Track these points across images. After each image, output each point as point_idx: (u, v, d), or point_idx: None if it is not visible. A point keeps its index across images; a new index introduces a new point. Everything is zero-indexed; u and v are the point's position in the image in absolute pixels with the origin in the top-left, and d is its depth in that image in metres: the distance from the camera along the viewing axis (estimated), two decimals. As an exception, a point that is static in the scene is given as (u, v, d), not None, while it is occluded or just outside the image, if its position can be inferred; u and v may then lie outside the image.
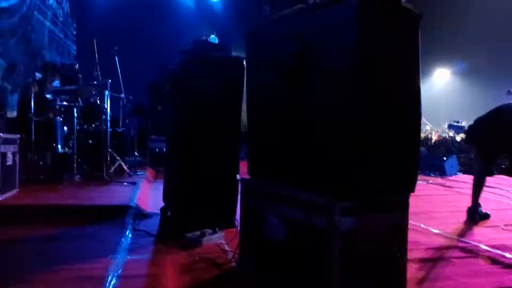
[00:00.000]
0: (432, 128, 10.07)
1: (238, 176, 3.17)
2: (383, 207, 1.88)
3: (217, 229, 2.83)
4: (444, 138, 9.54)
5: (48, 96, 5.42)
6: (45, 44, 8.69)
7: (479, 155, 3.76)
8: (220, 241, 2.77)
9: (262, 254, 2.16)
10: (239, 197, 2.43)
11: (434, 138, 9.89)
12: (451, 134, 8.81)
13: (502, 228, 3.40)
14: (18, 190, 4.25)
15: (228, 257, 2.47)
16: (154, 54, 9.14)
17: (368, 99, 1.73)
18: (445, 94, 13.16)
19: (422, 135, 9.39)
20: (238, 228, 2.44)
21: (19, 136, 4.39)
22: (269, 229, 2.09)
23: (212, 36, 3.28)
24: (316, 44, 1.88)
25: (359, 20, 1.67)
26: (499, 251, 2.72)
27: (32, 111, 5.00)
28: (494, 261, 2.56)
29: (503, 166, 3.63)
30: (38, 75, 5.69)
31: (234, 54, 3.36)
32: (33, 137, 4.99)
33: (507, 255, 2.65)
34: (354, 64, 1.69)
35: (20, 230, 2.95)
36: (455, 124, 4.72)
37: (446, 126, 6.95)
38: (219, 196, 3.15)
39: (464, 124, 4.65)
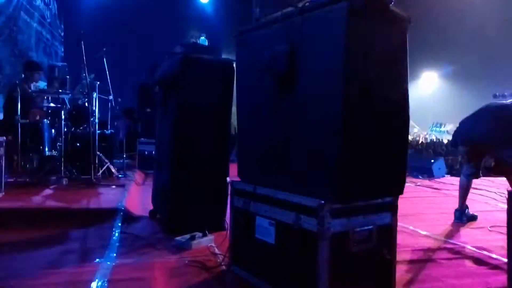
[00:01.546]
0: (420, 131, 10.19)
1: (228, 179, 3.16)
2: (372, 209, 1.89)
3: (207, 232, 2.81)
4: (432, 141, 9.67)
5: (33, 94, 5.35)
6: (32, 45, 8.58)
7: (466, 157, 3.80)
8: (210, 244, 2.75)
9: (252, 257, 2.15)
10: (229, 199, 2.42)
11: (422, 140, 10.02)
12: (433, 138, 8.95)
13: (489, 230, 3.45)
14: (3, 193, 4.17)
15: (218, 260, 2.46)
16: (143, 56, 9.08)
17: (356, 101, 1.74)
18: (432, 96, 13.35)
19: (410, 137, 9.51)
20: (228, 231, 2.43)
21: (5, 138, 4.32)
22: (259, 232, 2.09)
23: (202, 38, 3.28)
24: (306, 47, 1.89)
25: (348, 23, 1.68)
26: (486, 252, 2.76)
27: (19, 113, 4.93)
28: (481, 262, 2.59)
29: (489, 166, 3.67)
30: (23, 75, 5.62)
31: (224, 56, 3.36)
32: (19, 139, 4.92)
33: (494, 256, 2.68)
34: (343, 66, 1.70)
35: (6, 233, 2.89)
36: (437, 129, 4.77)
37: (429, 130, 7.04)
38: (209, 199, 3.13)
39: (450, 128, 4.71)
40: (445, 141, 9.04)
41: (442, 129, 4.76)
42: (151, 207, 3.70)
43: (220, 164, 3.18)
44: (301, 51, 1.91)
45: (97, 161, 5.56)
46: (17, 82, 5.32)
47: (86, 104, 5.72)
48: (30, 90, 5.40)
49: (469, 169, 3.72)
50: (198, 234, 2.77)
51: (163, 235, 2.98)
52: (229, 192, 2.43)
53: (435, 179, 7.03)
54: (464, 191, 3.75)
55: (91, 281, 2.09)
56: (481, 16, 10.15)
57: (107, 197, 4.32)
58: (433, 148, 9.26)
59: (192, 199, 3.09)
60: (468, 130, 3.68)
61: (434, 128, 4.84)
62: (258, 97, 2.19)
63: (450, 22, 10.69)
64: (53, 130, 5.43)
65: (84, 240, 2.83)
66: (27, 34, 8.30)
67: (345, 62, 1.69)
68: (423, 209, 4.38)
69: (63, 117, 5.25)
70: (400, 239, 2.04)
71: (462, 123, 3.76)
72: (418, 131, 10.21)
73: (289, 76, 1.96)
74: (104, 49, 5.96)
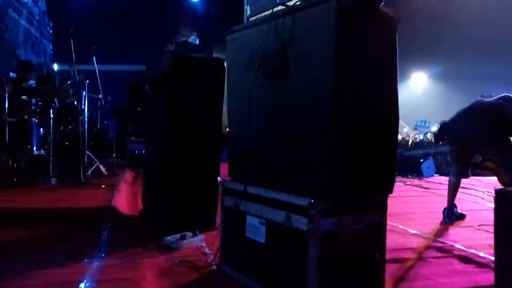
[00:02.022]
0: (409, 130, 10.29)
1: (219, 178, 3.16)
2: (362, 208, 1.90)
3: (197, 231, 2.80)
4: (421, 140, 9.76)
5: (23, 96, 5.28)
6: (20, 43, 8.47)
7: (454, 156, 3.84)
8: (200, 244, 2.74)
9: (243, 256, 2.15)
10: (220, 199, 2.41)
11: (411, 140, 10.11)
12: (418, 136, 9.00)
13: (476, 228, 3.49)
14: (-10, 193, 4.12)
15: (209, 260, 2.45)
16: (134, 54, 9.03)
17: (346, 100, 1.75)
18: (422, 97, 13.48)
19: (400, 137, 9.59)
20: (219, 231, 2.43)
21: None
22: (250, 231, 2.09)
23: (193, 36, 3.27)
24: (297, 46, 1.89)
25: (337, 22, 1.69)
26: (474, 251, 2.79)
27: (6, 111, 4.86)
28: (469, 260, 2.62)
29: (476, 161, 3.71)
30: (12, 74, 5.54)
31: (215, 55, 3.35)
32: (7, 138, 4.85)
33: (482, 254, 2.72)
34: (332, 65, 1.70)
35: (-7, 234, 2.85)
36: (422, 124, 4.80)
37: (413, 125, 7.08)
38: (200, 198, 3.12)
39: (434, 128, 4.74)
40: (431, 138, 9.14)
41: (426, 124, 4.80)
42: (141, 206, 3.68)
43: (211, 163, 3.17)
44: (292, 50, 1.91)
45: (86, 161, 5.51)
46: (5, 80, 5.24)
47: (75, 102, 5.67)
48: (22, 90, 5.31)
49: (458, 168, 3.75)
50: (189, 233, 2.76)
51: (153, 234, 2.95)
52: (220, 192, 2.43)
53: (424, 179, 7.11)
54: (453, 190, 3.79)
55: (79, 281, 2.06)
56: (471, 17, 10.27)
57: (97, 196, 4.29)
58: (423, 147, 9.35)
59: (183, 198, 3.08)
60: (456, 129, 3.70)
61: (419, 124, 4.87)
62: (249, 96, 2.19)
63: (439, 23, 10.80)
64: (41, 129, 5.37)
65: (73, 240, 2.80)
66: (15, 32, 8.19)
67: (335, 61, 1.70)
68: (412, 208, 4.42)
69: (51, 115, 5.19)
70: (390, 238, 2.05)
71: (450, 122, 3.78)
72: (407, 131, 10.31)
73: (280, 75, 1.96)
74: (94, 47, 5.91)
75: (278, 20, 1.99)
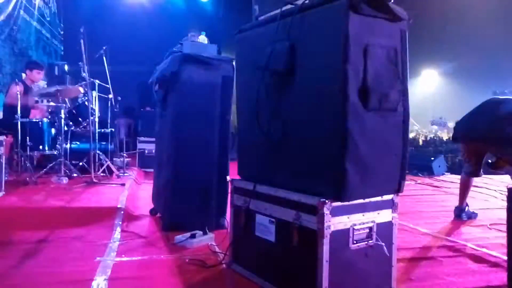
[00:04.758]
0: (420, 129, 10.18)
1: (228, 177, 3.16)
2: (372, 207, 1.89)
3: (207, 230, 2.82)
4: (432, 139, 9.67)
5: (35, 97, 5.35)
6: (32, 44, 8.57)
7: (466, 154, 3.79)
8: (210, 243, 2.75)
9: (253, 255, 2.16)
10: (229, 198, 2.42)
11: (422, 138, 10.02)
12: (434, 131, 8.90)
13: (488, 227, 3.45)
14: (4, 192, 4.18)
15: (219, 258, 2.46)
16: (143, 54, 9.07)
17: (356, 99, 1.74)
18: (432, 94, 13.32)
19: (410, 135, 9.50)
20: (228, 229, 2.43)
21: (5, 137, 4.33)
22: (259, 230, 2.09)
23: (202, 36, 3.27)
24: (306, 44, 1.88)
25: (347, 20, 1.68)
26: (485, 250, 2.76)
27: (19, 112, 4.93)
28: (481, 260, 2.59)
29: (489, 161, 3.64)
30: (23, 75, 5.62)
31: (223, 54, 3.35)
32: (19, 138, 4.92)
33: (494, 253, 2.69)
34: (342, 64, 1.70)
35: (6, 232, 2.90)
36: (439, 119, 4.72)
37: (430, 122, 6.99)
38: (209, 197, 3.14)
39: (451, 124, 4.68)
40: (445, 138, 9.03)
41: (443, 120, 4.71)
42: (151, 205, 3.70)
43: (220, 162, 3.18)
44: (301, 48, 1.91)
45: (97, 160, 5.57)
46: (17, 80, 5.32)
47: (86, 103, 5.72)
48: (31, 90, 5.40)
49: (470, 167, 3.71)
50: (199, 232, 2.78)
51: (163, 233, 2.98)
52: (229, 191, 2.43)
53: (435, 177, 7.03)
54: (465, 189, 3.74)
55: (91, 279, 2.09)
56: (481, 13, 10.12)
57: (107, 195, 4.33)
58: (434, 145, 9.26)
59: (192, 197, 3.09)
60: (468, 127, 3.65)
61: (435, 119, 4.77)
62: (258, 95, 2.19)
63: (449, 19, 10.66)
64: (53, 129, 5.44)
65: (85, 239, 2.83)
66: (27, 33, 8.29)
67: (345, 60, 1.69)
68: (423, 207, 4.38)
69: (63, 116, 5.25)
70: (400, 237, 2.04)
71: (462, 120, 3.73)
72: (418, 129, 10.20)
73: (288, 74, 1.96)
74: (104, 47, 5.96)
75: (286, 19, 1.98)
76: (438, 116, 6.07)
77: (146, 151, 6.91)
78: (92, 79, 5.72)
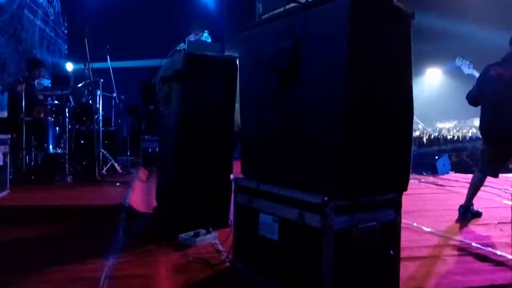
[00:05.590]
0: (424, 127, 10.15)
1: (231, 176, 3.16)
2: (376, 206, 1.88)
3: (211, 229, 2.82)
4: (436, 137, 9.63)
5: (39, 96, 5.38)
6: (36, 43, 8.61)
7: (492, 157, 3.55)
8: (214, 241, 2.76)
9: (256, 253, 2.16)
10: (232, 196, 2.42)
11: (426, 137, 9.99)
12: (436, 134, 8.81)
13: (493, 226, 3.43)
14: (9, 191, 4.21)
15: (222, 257, 2.46)
16: (147, 53, 9.09)
17: (359, 97, 1.73)
18: (436, 93, 13.27)
19: (414, 134, 9.47)
20: (232, 228, 2.43)
21: (9, 136, 4.35)
22: (263, 229, 2.09)
23: (205, 34, 3.27)
24: (309, 43, 1.88)
25: (351, 18, 1.67)
26: (490, 249, 2.74)
27: (23, 110, 4.96)
28: (486, 258, 2.58)
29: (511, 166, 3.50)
30: (26, 73, 5.64)
31: (227, 53, 3.35)
32: (24, 137, 4.95)
33: (499, 252, 2.67)
34: (345, 62, 1.69)
35: (11, 231, 2.91)
36: (463, 61, 4.39)
37: (436, 123, 6.91)
38: (213, 196, 3.14)
39: (454, 123, 4.53)
40: (449, 137, 9.00)
41: (468, 63, 4.41)
42: (155, 204, 3.71)
43: (223, 161, 3.18)
44: (304, 47, 1.90)
45: (101, 159, 5.59)
46: (21, 79, 5.35)
47: (90, 101, 5.74)
48: (34, 88, 5.42)
49: (489, 168, 3.56)
50: (202, 231, 2.78)
51: (167, 232, 2.98)
52: (232, 189, 2.43)
53: (439, 176, 7.01)
54: (475, 188, 3.65)
55: (95, 277, 2.10)
56: (484, 11, 10.07)
57: (111, 194, 4.35)
58: (438, 144, 9.23)
59: (196, 196, 3.09)
60: (503, 128, 3.40)
61: (460, 61, 4.40)
62: (261, 94, 2.19)
63: (453, 17, 10.61)
64: (57, 128, 5.46)
65: (88, 237, 2.84)
66: (31, 32, 8.33)
67: (348, 58, 1.68)
68: (427, 205, 4.36)
69: (67, 114, 5.27)
70: (405, 236, 2.03)
71: (492, 119, 3.48)
72: (422, 128, 10.18)
73: (292, 73, 1.95)
74: (108, 46, 5.98)
75: (290, 17, 1.98)
76: (445, 118, 6.02)
77: (150, 150, 6.93)
78: (96, 78, 5.74)
